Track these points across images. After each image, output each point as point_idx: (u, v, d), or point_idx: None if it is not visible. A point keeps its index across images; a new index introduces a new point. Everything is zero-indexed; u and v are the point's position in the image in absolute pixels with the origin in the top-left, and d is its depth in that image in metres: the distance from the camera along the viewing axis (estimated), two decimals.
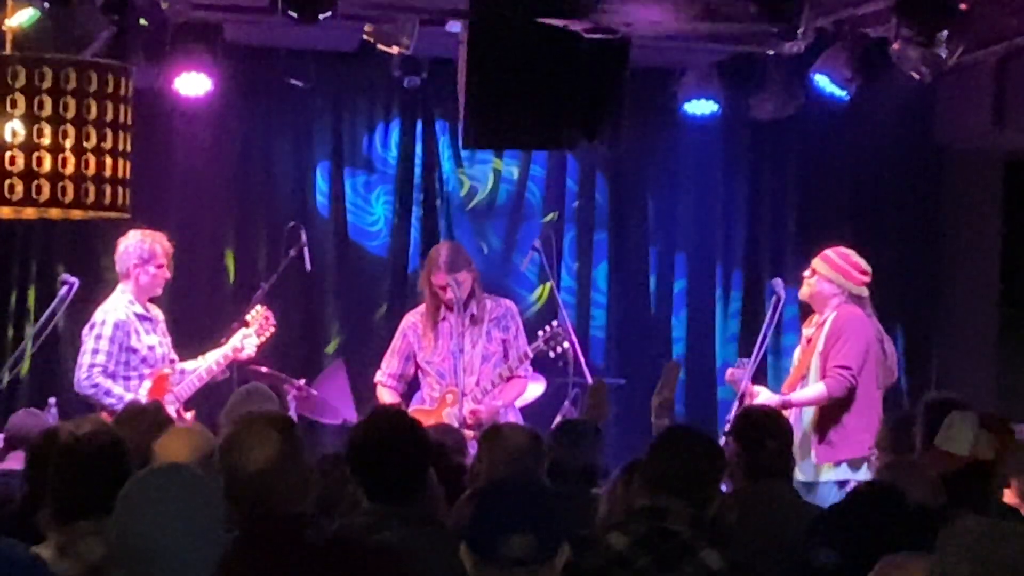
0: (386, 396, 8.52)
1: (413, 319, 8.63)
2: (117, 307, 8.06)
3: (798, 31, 8.03)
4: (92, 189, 6.34)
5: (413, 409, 8.28)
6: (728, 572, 4.34)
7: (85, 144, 6.32)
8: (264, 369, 8.28)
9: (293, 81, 9.38)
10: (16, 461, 6.25)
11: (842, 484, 7.64)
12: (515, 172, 10.20)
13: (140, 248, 8.09)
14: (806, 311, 8.57)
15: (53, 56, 6.45)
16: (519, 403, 8.59)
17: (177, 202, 9.68)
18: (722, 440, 5.69)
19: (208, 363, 8.23)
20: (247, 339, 8.29)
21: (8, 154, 6.22)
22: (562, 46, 7.29)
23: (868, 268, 8.10)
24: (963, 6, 7.70)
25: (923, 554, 3.40)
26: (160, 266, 8.14)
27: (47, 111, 6.26)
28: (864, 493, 4.53)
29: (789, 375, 8.33)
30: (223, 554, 3.40)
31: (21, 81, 6.25)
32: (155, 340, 8.15)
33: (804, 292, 8.17)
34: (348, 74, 9.88)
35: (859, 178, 10.52)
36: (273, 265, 9.17)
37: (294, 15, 7.37)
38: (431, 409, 8.35)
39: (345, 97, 10.04)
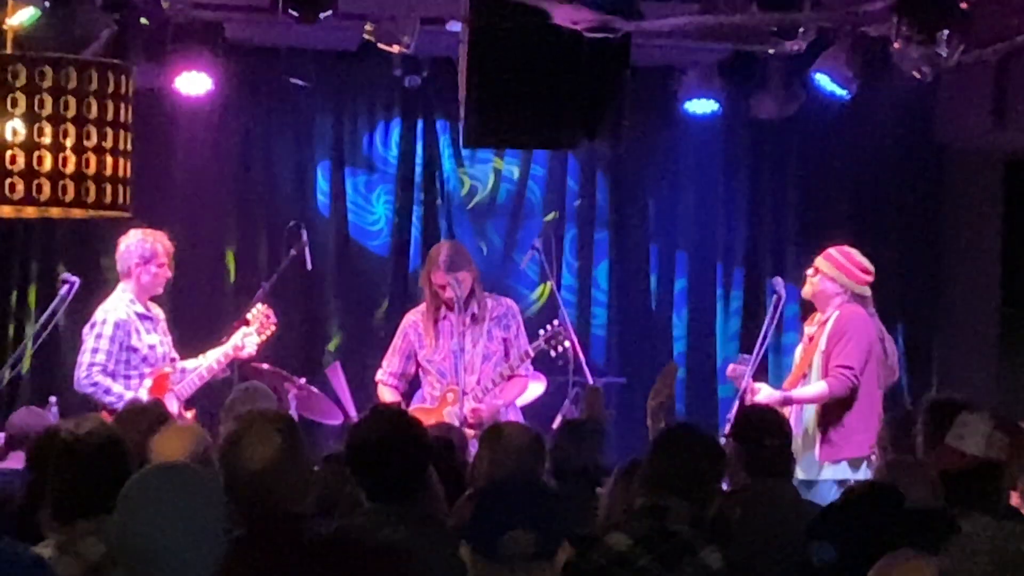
0: (387, 395, 8.53)
1: (414, 318, 8.63)
2: (118, 306, 8.06)
3: (798, 30, 8.03)
4: (93, 188, 6.33)
5: (414, 408, 8.29)
6: (728, 571, 4.34)
7: (86, 143, 6.31)
8: (265, 366, 8.28)
9: (294, 80, 9.38)
10: (17, 460, 6.25)
11: (841, 483, 7.63)
12: (516, 171, 10.21)
13: (142, 247, 8.09)
14: (807, 309, 8.58)
15: (54, 55, 6.45)
16: (520, 402, 8.60)
17: (178, 201, 9.68)
18: (722, 440, 5.69)
19: (209, 362, 8.23)
20: (248, 338, 8.29)
21: (9, 153, 6.21)
22: (563, 45, 7.28)
23: (871, 267, 8.11)
24: (964, 5, 7.69)
25: (924, 553, 3.40)
26: (161, 265, 8.14)
27: (48, 110, 6.25)
28: (860, 493, 4.52)
29: (790, 373, 8.33)
30: (224, 553, 3.40)
31: (22, 80, 6.24)
32: (156, 339, 8.15)
33: (807, 290, 8.18)
34: (349, 73, 9.88)
35: (859, 177, 10.52)
36: (274, 264, 9.18)
37: (295, 14, 7.38)
38: (432, 408, 8.35)
39: (346, 96, 10.04)
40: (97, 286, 8.72)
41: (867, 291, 8.08)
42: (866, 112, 9.92)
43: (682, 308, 10.41)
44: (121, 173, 6.47)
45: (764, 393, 7.97)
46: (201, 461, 4.77)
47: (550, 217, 10.21)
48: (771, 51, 8.98)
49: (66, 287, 8.12)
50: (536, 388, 8.73)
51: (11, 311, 9.51)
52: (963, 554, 3.09)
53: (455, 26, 8.23)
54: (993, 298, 10.57)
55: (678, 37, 8.76)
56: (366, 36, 8.52)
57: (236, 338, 8.27)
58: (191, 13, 8.41)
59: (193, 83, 8.95)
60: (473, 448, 6.29)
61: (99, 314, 8.06)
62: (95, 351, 7.97)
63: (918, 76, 7.98)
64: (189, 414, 8.05)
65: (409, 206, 10.09)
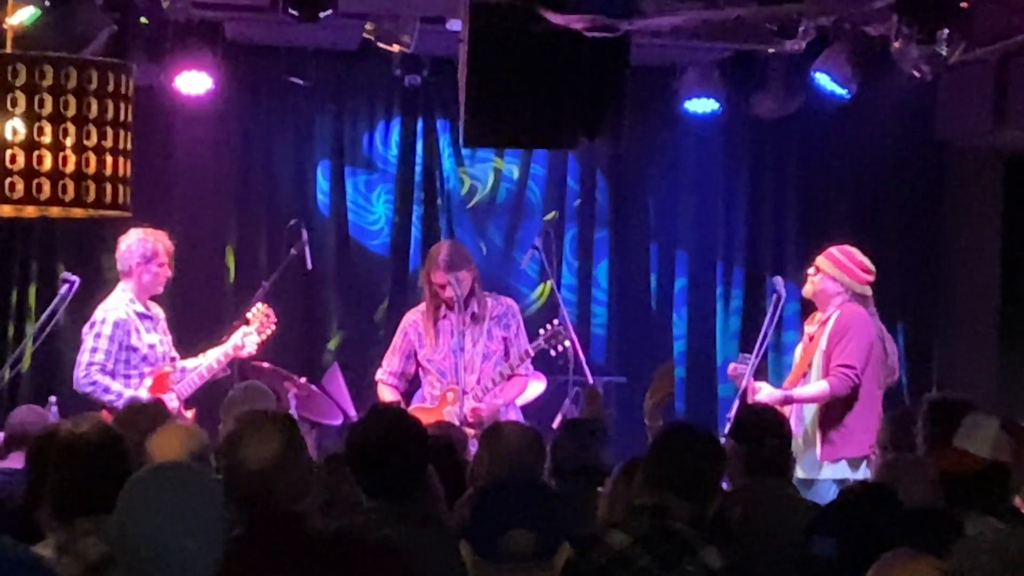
0: (387, 394, 8.53)
1: (414, 317, 8.64)
2: (117, 306, 8.06)
3: (799, 29, 8.04)
4: (93, 187, 6.34)
5: (414, 407, 8.28)
6: (728, 571, 4.34)
7: (86, 142, 6.31)
8: (266, 365, 8.28)
9: (294, 79, 9.38)
10: (17, 460, 6.25)
11: (841, 482, 7.64)
12: (515, 171, 10.21)
13: (143, 246, 8.09)
14: (807, 308, 8.58)
15: (54, 54, 6.45)
16: (520, 401, 8.60)
17: (178, 201, 9.69)
18: (722, 439, 5.69)
19: (209, 361, 8.23)
20: (248, 337, 8.29)
21: (9, 152, 6.21)
22: (562, 45, 7.28)
23: (872, 267, 8.11)
24: (964, 4, 7.70)
25: (923, 553, 3.40)
26: (162, 265, 8.14)
27: (48, 109, 6.26)
28: (858, 493, 4.52)
29: (790, 372, 8.33)
30: (224, 552, 3.40)
31: (22, 79, 6.25)
32: (156, 338, 8.15)
33: (808, 289, 8.18)
34: (349, 73, 9.88)
35: (860, 177, 10.52)
36: (274, 263, 9.18)
37: (295, 13, 7.38)
38: (432, 407, 8.35)
39: (346, 96, 10.04)
40: (97, 285, 8.72)
41: (868, 291, 8.08)
42: (866, 111, 9.91)
43: (682, 307, 10.41)
44: (121, 172, 6.47)
45: (765, 392, 7.98)
46: (198, 460, 4.77)
47: (550, 216, 10.21)
48: (771, 50, 8.99)
49: (66, 286, 8.13)
50: (536, 387, 8.73)
51: (11, 310, 9.51)
52: (968, 556, 3.09)
53: (455, 25, 8.23)
54: (993, 297, 10.57)
55: (678, 36, 8.76)
56: (366, 35, 8.53)
57: (236, 337, 8.27)
58: (191, 12, 8.42)
59: (193, 82, 8.96)
60: (473, 447, 6.29)
61: (99, 313, 8.06)
62: (94, 350, 7.97)
63: (918, 75, 8.00)
64: (189, 413, 8.05)
65: (409, 205, 10.09)
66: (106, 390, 7.91)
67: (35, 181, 6.23)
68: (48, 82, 6.26)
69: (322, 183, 10.02)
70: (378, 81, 9.87)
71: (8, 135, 6.21)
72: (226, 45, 9.09)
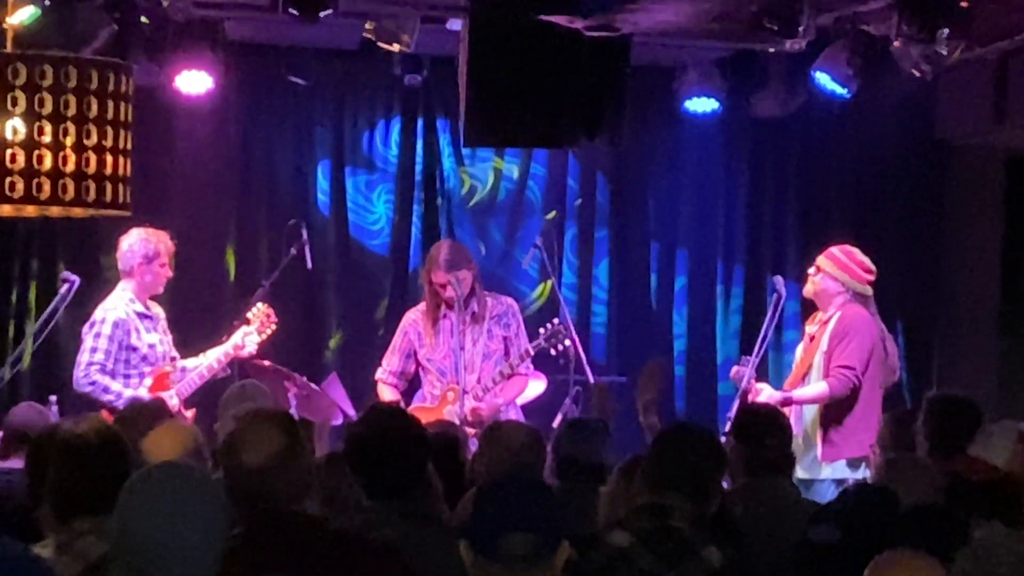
0: (387, 393, 8.53)
1: (414, 316, 8.64)
2: (117, 305, 8.06)
3: (799, 28, 8.03)
4: (93, 187, 6.34)
5: (414, 407, 8.29)
6: (729, 569, 4.34)
7: (86, 142, 6.32)
8: (267, 363, 8.28)
9: (294, 79, 9.37)
10: (17, 458, 6.24)
11: (840, 482, 7.65)
12: (516, 171, 10.20)
13: (145, 246, 8.09)
14: (807, 307, 8.58)
15: (54, 54, 6.45)
16: (520, 401, 8.60)
17: (178, 200, 9.68)
18: (723, 438, 5.69)
19: (209, 361, 8.23)
20: (248, 337, 8.29)
21: (9, 152, 6.22)
22: (563, 44, 7.29)
23: (873, 267, 8.11)
24: (964, 3, 7.70)
25: (922, 553, 3.40)
26: (163, 265, 8.15)
27: (48, 109, 6.26)
28: (858, 492, 4.52)
29: (791, 372, 8.33)
30: (224, 552, 3.40)
31: (22, 79, 6.25)
32: (156, 338, 8.15)
33: (808, 289, 8.19)
34: (349, 72, 9.87)
35: (860, 176, 10.52)
36: (274, 263, 9.17)
37: (295, 13, 7.38)
38: (432, 407, 8.35)
39: (346, 95, 10.03)
40: (97, 285, 8.72)
41: (869, 290, 8.08)
42: (867, 110, 9.91)
43: (682, 306, 10.41)
44: (121, 172, 6.48)
45: (765, 394, 7.98)
46: (193, 459, 4.77)
47: (551, 216, 10.21)
48: (772, 49, 8.98)
49: (66, 286, 8.12)
50: (536, 387, 8.73)
51: (11, 310, 9.51)
52: (980, 561, 3.09)
53: (455, 25, 8.24)
54: (994, 296, 10.57)
55: (678, 36, 8.76)
56: (366, 35, 8.52)
57: (236, 337, 8.27)
58: (191, 12, 8.41)
59: (193, 82, 8.95)
60: (473, 447, 6.29)
61: (98, 313, 8.06)
62: (94, 350, 7.97)
63: (918, 74, 7.99)
64: (189, 413, 8.05)
65: (409, 205, 10.09)
66: (106, 390, 7.91)
67: (35, 181, 6.23)
68: (48, 81, 6.26)
69: (322, 183, 10.01)
70: (378, 81, 9.87)
71: (8, 134, 6.22)
72: (226, 45, 9.07)
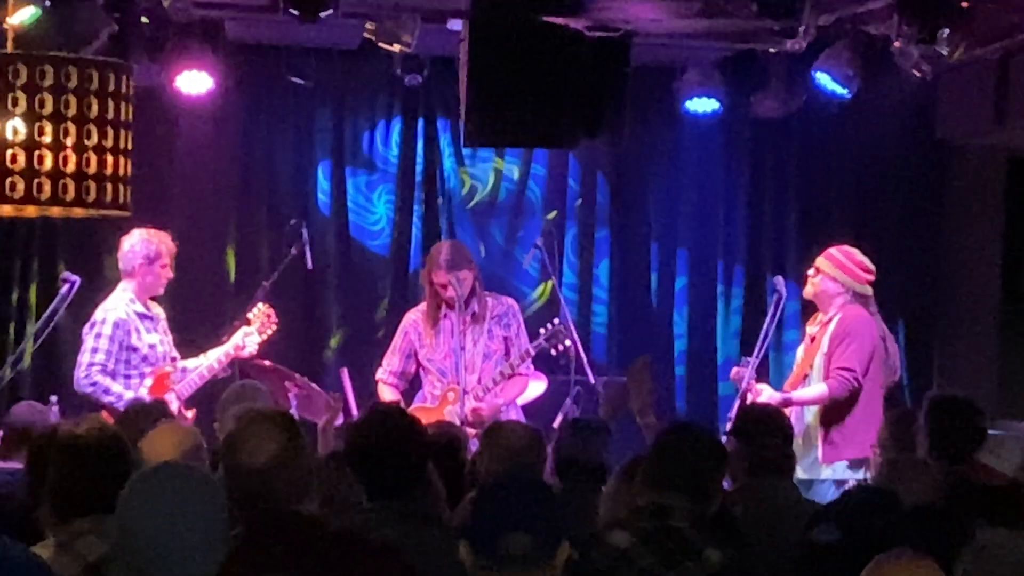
0: (387, 394, 8.53)
1: (414, 317, 8.64)
2: (117, 306, 8.06)
3: (799, 29, 8.03)
4: (93, 187, 6.34)
5: (415, 407, 8.29)
6: (730, 570, 4.34)
7: (86, 142, 6.32)
8: (267, 363, 8.28)
9: (294, 79, 9.38)
10: (18, 456, 6.24)
11: (840, 483, 7.64)
12: (516, 171, 10.21)
13: (147, 247, 8.09)
14: (808, 307, 8.57)
15: (54, 54, 6.46)
16: (521, 401, 8.59)
17: (178, 200, 9.68)
18: (723, 438, 5.68)
19: (210, 361, 8.23)
20: (249, 337, 8.29)
21: (9, 152, 6.22)
22: (563, 44, 7.29)
23: (872, 267, 8.10)
24: (964, 3, 7.70)
25: (920, 554, 3.40)
26: (164, 266, 8.15)
27: (48, 109, 6.26)
28: (859, 493, 4.52)
29: (791, 373, 8.33)
30: (225, 552, 3.40)
31: (22, 79, 6.25)
32: (156, 338, 8.15)
33: (808, 291, 8.18)
34: (349, 72, 9.87)
35: (861, 176, 10.51)
36: (274, 263, 9.17)
37: (295, 13, 7.38)
38: (433, 407, 8.35)
39: (346, 95, 10.03)
40: (98, 285, 8.72)
41: (868, 290, 8.08)
42: (867, 111, 9.91)
43: (683, 306, 10.41)
44: (122, 172, 6.48)
45: (765, 394, 7.97)
46: (191, 459, 4.77)
47: (551, 216, 10.21)
48: (772, 50, 8.98)
49: (67, 286, 8.12)
50: (537, 387, 8.72)
51: (12, 310, 9.51)
52: (981, 561, 3.09)
53: (456, 25, 8.23)
54: (994, 296, 10.57)
55: (679, 36, 8.76)
56: (367, 35, 8.52)
57: (237, 337, 8.27)
58: (192, 12, 8.41)
59: (193, 82, 8.95)
60: (474, 447, 6.29)
61: (99, 314, 8.06)
62: (95, 351, 7.97)
63: (919, 74, 7.99)
64: (189, 413, 8.05)
65: (410, 205, 10.09)
66: (106, 391, 7.90)
67: (36, 181, 6.24)
68: (49, 82, 6.27)
69: (323, 183, 10.01)
70: (379, 81, 9.86)
71: (9, 135, 6.22)
72: (227, 45, 9.08)
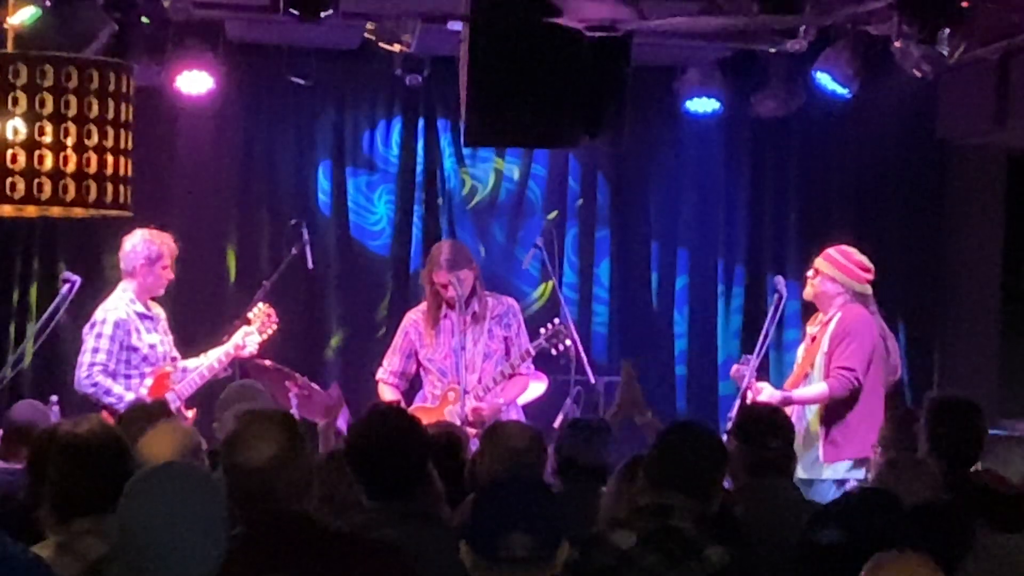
0: (387, 394, 8.53)
1: (414, 317, 8.64)
2: (118, 306, 8.06)
3: (800, 29, 8.03)
4: (94, 187, 6.34)
5: (415, 407, 8.29)
6: (730, 569, 4.34)
7: (87, 142, 6.32)
8: (268, 363, 8.28)
9: (295, 79, 9.38)
10: (19, 454, 6.24)
11: (841, 483, 7.64)
12: (516, 171, 10.21)
13: (148, 248, 8.09)
14: (808, 307, 8.57)
15: (55, 54, 6.45)
16: (521, 401, 8.59)
17: (178, 200, 9.69)
18: (724, 437, 5.68)
19: (210, 361, 8.23)
20: (249, 337, 8.29)
21: (10, 152, 6.22)
22: (563, 44, 7.29)
23: (871, 266, 8.10)
24: (964, 3, 7.69)
25: (918, 554, 3.40)
26: (165, 267, 8.15)
27: (48, 109, 6.26)
28: (859, 494, 4.52)
29: (792, 372, 8.33)
30: (226, 552, 3.40)
31: (23, 79, 6.25)
32: (156, 338, 8.15)
33: (808, 292, 8.18)
34: (350, 72, 9.87)
35: (861, 175, 10.52)
36: (275, 263, 9.17)
37: (296, 13, 7.37)
38: (433, 407, 8.36)
39: (347, 95, 10.04)
40: (98, 285, 8.72)
41: (868, 289, 8.08)
42: (867, 110, 9.91)
43: (683, 306, 10.41)
44: (122, 172, 6.48)
45: (766, 394, 7.97)
46: (189, 459, 4.77)
47: (551, 216, 10.21)
48: (772, 50, 8.98)
49: (67, 286, 8.12)
50: (537, 387, 8.72)
51: (12, 310, 9.52)
52: (982, 562, 3.09)
53: (456, 25, 8.22)
54: (995, 296, 10.57)
55: (679, 36, 8.75)
56: (367, 35, 8.53)
57: (237, 337, 8.27)
58: (192, 12, 8.40)
59: (194, 82, 8.96)
60: (474, 447, 6.29)
61: (99, 314, 8.06)
62: (95, 351, 7.97)
63: (919, 74, 7.98)
64: (190, 413, 8.05)
65: (410, 205, 10.09)
66: (107, 392, 7.90)
67: (36, 181, 6.23)
68: (49, 82, 6.26)
69: (323, 183, 10.02)
70: (379, 81, 9.87)
71: (9, 135, 6.22)
72: (227, 45, 9.08)
